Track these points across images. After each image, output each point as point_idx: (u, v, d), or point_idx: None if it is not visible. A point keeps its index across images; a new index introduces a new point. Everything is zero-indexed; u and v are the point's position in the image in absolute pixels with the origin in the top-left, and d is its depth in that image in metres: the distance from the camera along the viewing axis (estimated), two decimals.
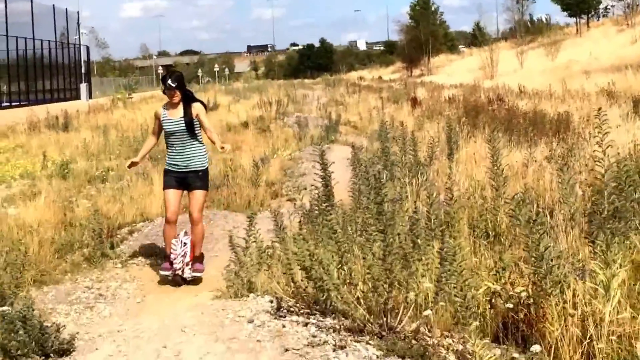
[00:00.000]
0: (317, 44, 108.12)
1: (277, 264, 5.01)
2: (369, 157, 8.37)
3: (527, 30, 63.58)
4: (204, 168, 6.04)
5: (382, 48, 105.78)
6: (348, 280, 4.05)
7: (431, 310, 3.81)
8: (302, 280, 4.30)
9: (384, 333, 3.80)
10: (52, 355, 3.91)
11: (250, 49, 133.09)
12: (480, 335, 3.62)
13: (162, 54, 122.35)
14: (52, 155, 13.15)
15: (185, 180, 5.98)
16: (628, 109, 14.17)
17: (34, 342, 3.87)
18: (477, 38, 61.57)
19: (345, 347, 3.66)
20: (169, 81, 5.92)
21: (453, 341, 3.83)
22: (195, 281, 5.80)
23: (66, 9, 43.92)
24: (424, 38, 69.80)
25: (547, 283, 3.77)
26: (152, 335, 4.17)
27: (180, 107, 5.99)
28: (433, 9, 76.61)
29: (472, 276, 4.20)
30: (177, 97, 5.96)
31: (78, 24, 47.42)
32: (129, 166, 6.51)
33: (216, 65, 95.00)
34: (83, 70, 47.40)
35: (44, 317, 4.27)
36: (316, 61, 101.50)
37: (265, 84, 51.23)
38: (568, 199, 5.13)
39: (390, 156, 7.79)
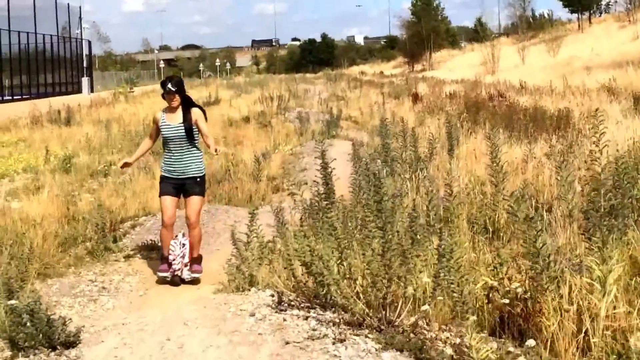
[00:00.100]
0: (318, 39, 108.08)
1: (278, 259, 5.07)
2: (370, 152, 8.43)
3: (529, 26, 63.40)
4: (202, 174, 6.01)
5: (383, 42, 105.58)
6: (348, 275, 4.12)
7: (429, 304, 3.87)
8: (302, 275, 4.36)
9: (382, 327, 3.87)
10: (58, 347, 3.98)
11: (254, 43, 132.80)
12: (477, 329, 3.69)
13: (164, 48, 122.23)
14: (55, 149, 13.21)
15: (183, 186, 5.95)
16: (628, 105, 14.21)
17: (41, 335, 3.95)
18: (478, 33, 61.40)
19: (344, 341, 3.73)
20: (169, 85, 5.88)
21: (451, 335, 3.89)
22: (194, 282, 5.84)
23: (68, 3, 44.07)
24: (426, 34, 69.66)
25: (544, 278, 3.82)
26: (156, 328, 4.24)
27: (179, 112, 5.94)
28: (435, 4, 76.39)
29: (470, 271, 4.26)
30: (177, 101, 5.92)
31: (80, 18, 47.52)
32: (122, 166, 6.51)
33: (217, 60, 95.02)
34: (85, 64, 47.47)
35: (50, 310, 4.33)
36: (318, 56, 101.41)
37: (267, 79, 51.15)
38: (566, 196, 5.18)
39: (390, 152, 7.83)
